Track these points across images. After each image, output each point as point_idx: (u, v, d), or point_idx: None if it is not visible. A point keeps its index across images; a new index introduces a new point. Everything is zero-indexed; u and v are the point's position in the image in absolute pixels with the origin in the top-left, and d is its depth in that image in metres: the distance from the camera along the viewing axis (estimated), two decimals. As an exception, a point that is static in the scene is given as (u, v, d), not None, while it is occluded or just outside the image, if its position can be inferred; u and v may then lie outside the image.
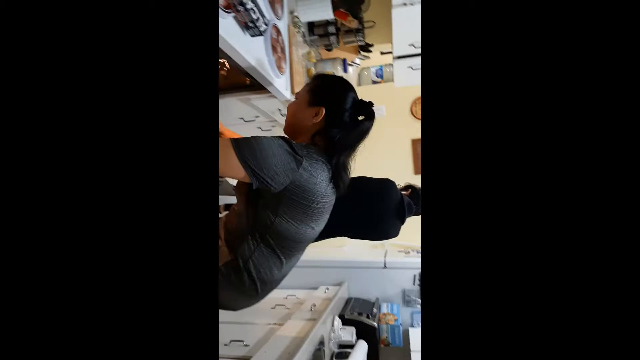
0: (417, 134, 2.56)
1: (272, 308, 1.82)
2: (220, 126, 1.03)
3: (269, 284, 0.83)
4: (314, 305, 1.75)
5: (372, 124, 0.78)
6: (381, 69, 2.84)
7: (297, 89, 1.48)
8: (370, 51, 2.16)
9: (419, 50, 1.67)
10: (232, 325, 1.58)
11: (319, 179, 0.71)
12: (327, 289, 2.09)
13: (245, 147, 0.66)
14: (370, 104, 0.80)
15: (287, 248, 0.79)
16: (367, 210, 1.04)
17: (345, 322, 1.83)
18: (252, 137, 0.68)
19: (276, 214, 0.73)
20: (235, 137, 0.74)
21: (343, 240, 2.73)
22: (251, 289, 0.79)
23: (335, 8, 1.66)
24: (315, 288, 2.13)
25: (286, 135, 0.78)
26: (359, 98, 0.80)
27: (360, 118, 0.79)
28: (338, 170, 0.75)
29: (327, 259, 2.35)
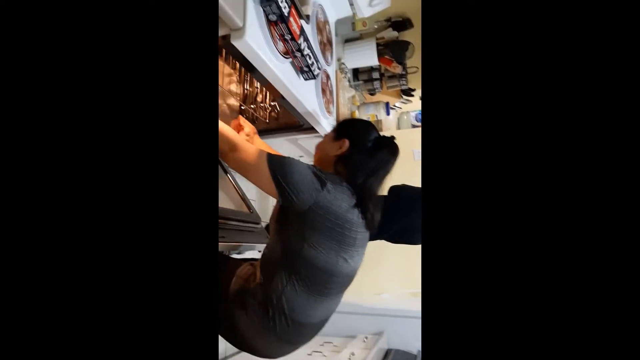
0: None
1: (309, 354, 1.74)
2: (256, 137, 1.08)
3: (305, 327, 0.79)
4: (353, 354, 1.65)
5: (394, 155, 0.83)
6: (421, 113, 2.87)
7: (343, 131, 1.52)
8: (412, 95, 2.19)
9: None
10: (267, 370, 1.51)
11: (343, 203, 0.73)
12: (366, 337, 1.98)
13: (277, 162, 0.72)
14: (392, 137, 0.85)
15: (320, 283, 0.76)
16: (413, 215, 1.04)
17: (386, 376, 1.69)
18: (285, 156, 0.74)
19: (303, 239, 0.72)
20: (270, 151, 0.82)
21: (382, 287, 2.62)
22: (285, 331, 0.76)
23: (380, 55, 1.73)
24: (353, 336, 2.02)
25: None
26: (375, 134, 0.86)
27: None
28: (362, 196, 0.76)
29: (365, 305, 2.24)
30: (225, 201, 1.01)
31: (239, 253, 1.03)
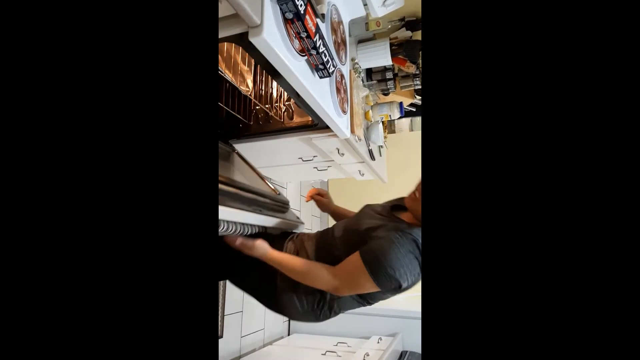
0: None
1: (323, 354, 1.74)
2: (342, 209, 1.18)
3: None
4: (367, 354, 1.64)
5: None
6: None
7: (357, 130, 1.52)
8: (426, 95, 2.18)
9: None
10: (282, 369, 1.52)
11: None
12: (380, 339, 1.96)
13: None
14: None
15: (371, 297, 0.85)
16: None
17: (401, 377, 1.68)
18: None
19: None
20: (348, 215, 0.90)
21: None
22: (324, 317, 0.87)
23: (393, 55, 1.73)
24: (367, 337, 2.01)
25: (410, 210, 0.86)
26: None
27: None
28: None
29: (381, 307, 2.22)
30: (253, 181, 1.10)
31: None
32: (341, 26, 1.39)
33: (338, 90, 1.29)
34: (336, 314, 0.88)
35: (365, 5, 1.45)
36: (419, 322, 2.10)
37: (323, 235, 0.93)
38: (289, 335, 2.23)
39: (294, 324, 2.27)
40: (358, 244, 0.79)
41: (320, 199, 1.20)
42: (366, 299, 0.87)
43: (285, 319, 2.27)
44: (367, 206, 0.98)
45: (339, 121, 1.30)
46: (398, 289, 0.76)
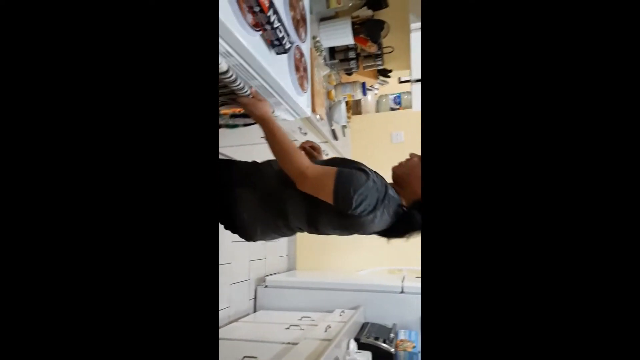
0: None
1: (287, 328, 1.79)
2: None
3: None
4: (329, 326, 1.72)
5: None
6: (399, 97, 2.90)
7: (318, 109, 1.53)
8: (389, 76, 2.22)
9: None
10: (245, 343, 1.55)
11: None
12: (343, 312, 2.05)
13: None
14: None
15: (322, 225, 0.94)
16: None
17: (361, 346, 1.77)
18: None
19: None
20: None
21: (361, 264, 2.70)
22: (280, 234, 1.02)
23: (356, 34, 1.74)
24: (331, 311, 2.09)
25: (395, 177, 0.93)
26: None
27: None
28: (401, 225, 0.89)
29: (344, 282, 2.31)
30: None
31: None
32: (300, 2, 1.37)
33: (297, 68, 1.28)
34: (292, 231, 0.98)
35: (325, -19, 1.44)
36: (381, 294, 2.20)
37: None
38: (254, 312, 2.27)
39: (260, 301, 2.32)
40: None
41: (312, 152, 1.17)
42: (315, 225, 0.91)
43: (252, 296, 2.30)
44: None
45: (299, 99, 1.30)
46: (345, 211, 0.81)
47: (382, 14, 1.76)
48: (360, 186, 0.79)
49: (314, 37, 1.62)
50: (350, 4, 1.69)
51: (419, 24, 1.43)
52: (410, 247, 2.80)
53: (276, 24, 0.95)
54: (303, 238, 2.89)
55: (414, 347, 1.90)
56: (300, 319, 1.95)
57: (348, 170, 0.82)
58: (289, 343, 1.53)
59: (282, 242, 2.82)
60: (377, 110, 2.95)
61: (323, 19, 1.74)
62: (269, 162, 1.06)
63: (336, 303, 2.18)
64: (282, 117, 1.45)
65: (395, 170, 0.93)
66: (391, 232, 0.91)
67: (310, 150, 1.19)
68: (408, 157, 0.93)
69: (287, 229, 0.99)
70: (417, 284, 2.24)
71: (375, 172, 0.89)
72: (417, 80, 1.78)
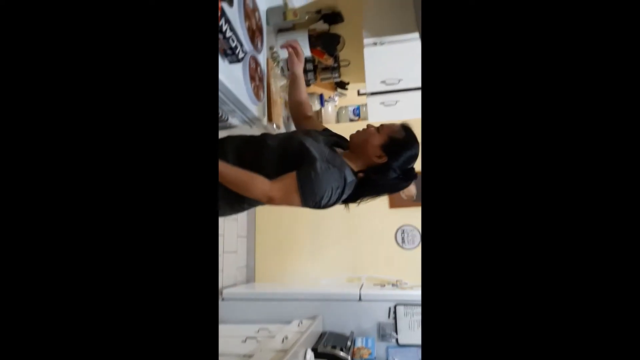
0: (392, 168, 2.67)
1: (243, 342, 1.75)
2: None
3: None
4: (286, 337, 1.70)
5: (406, 185, 0.98)
6: (358, 108, 2.99)
7: (276, 118, 1.54)
8: (346, 88, 2.28)
9: (390, 87, 1.79)
10: (198, 358, 1.50)
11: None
12: (301, 322, 2.04)
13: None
14: (415, 174, 0.97)
15: None
16: None
17: (319, 355, 1.77)
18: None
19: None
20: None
21: (321, 273, 2.70)
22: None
23: (312, 46, 1.78)
24: (289, 322, 2.07)
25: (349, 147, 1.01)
26: (412, 165, 0.96)
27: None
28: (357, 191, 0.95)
29: (302, 291, 2.30)
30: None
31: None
32: (256, 13, 1.39)
33: (252, 77, 1.29)
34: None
35: (282, -6, 1.47)
36: (339, 303, 2.20)
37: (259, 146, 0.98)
38: (210, 326, 2.20)
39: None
40: (295, 160, 0.90)
41: (295, 52, 1.21)
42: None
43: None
44: (310, 132, 1.05)
45: (254, 108, 1.31)
46: (317, 206, 0.89)
47: (337, 28, 1.82)
48: (322, 187, 0.85)
49: (271, 48, 1.64)
50: (307, 17, 1.72)
51: (371, 40, 1.49)
52: (369, 255, 2.84)
53: (228, 34, 0.96)
54: (263, 248, 2.85)
55: (370, 354, 1.93)
56: (257, 331, 1.91)
57: (306, 175, 0.86)
58: (244, 356, 1.50)
59: (241, 253, 2.77)
60: (338, 121, 3.02)
61: (280, 30, 1.76)
62: (232, 138, 1.07)
63: (295, 313, 2.17)
64: (238, 125, 1.44)
65: (353, 139, 1.00)
66: (346, 200, 0.97)
67: (292, 51, 1.22)
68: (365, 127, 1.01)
69: (249, 204, 1.02)
70: (375, 291, 2.28)
71: (325, 148, 0.95)
72: (372, 94, 1.85)
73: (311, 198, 0.86)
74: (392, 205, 2.69)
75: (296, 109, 1.21)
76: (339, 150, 1.01)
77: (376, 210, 2.69)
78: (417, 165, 0.94)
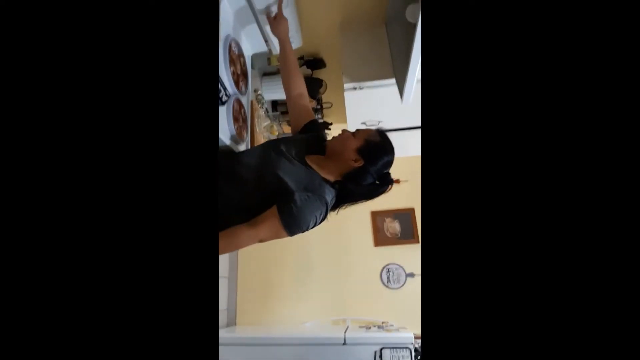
0: (376, 206, 2.69)
1: (221, 391, 1.64)
2: None
3: None
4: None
5: (385, 190, 0.97)
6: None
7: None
8: (329, 128, 2.35)
9: (371, 128, 1.85)
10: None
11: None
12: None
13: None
14: (392, 179, 0.98)
15: None
16: None
17: (301, 405, 1.66)
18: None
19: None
20: None
21: (305, 316, 2.61)
22: None
23: (296, 89, 1.86)
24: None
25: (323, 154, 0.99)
26: (389, 170, 0.97)
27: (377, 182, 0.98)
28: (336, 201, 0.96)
29: (285, 336, 2.21)
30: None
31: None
32: (242, 59, 1.46)
33: (236, 118, 1.33)
34: None
35: (266, 41, 1.55)
36: (322, 347, 2.11)
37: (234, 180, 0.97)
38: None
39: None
40: (272, 194, 0.91)
41: (277, 16, 1.24)
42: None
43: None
44: (283, 143, 1.03)
45: (236, 147, 1.33)
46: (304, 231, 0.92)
47: (320, 73, 1.91)
48: (305, 218, 0.88)
49: (255, 90, 1.70)
50: (291, 63, 1.82)
51: (351, 85, 1.57)
52: (354, 295, 2.77)
53: (212, 78, 1.00)
54: (245, 290, 2.77)
55: (356, 402, 1.82)
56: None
57: (288, 210, 0.87)
58: (220, 408, 1.40)
59: (222, 294, 2.67)
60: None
61: (265, 74, 1.84)
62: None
63: (278, 359, 2.07)
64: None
65: (330, 144, 1.00)
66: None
67: (273, 19, 1.27)
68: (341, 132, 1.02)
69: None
70: (360, 334, 2.21)
71: (301, 168, 0.94)
72: (354, 134, 1.91)
73: (297, 230, 0.89)
74: (377, 243, 2.68)
75: (285, 83, 1.20)
76: (314, 158, 0.98)
77: (361, 249, 2.68)
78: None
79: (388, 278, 2.63)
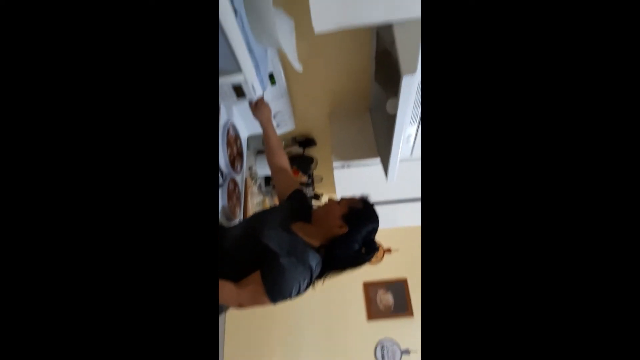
0: (369, 276, 2.66)
1: None
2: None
3: None
4: None
5: (369, 258, 0.98)
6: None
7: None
8: (318, 199, 2.43)
9: (360, 202, 1.93)
10: None
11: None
12: None
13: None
14: (377, 246, 0.99)
15: None
16: None
17: None
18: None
19: None
20: None
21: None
22: None
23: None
24: None
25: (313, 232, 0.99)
26: (374, 238, 0.98)
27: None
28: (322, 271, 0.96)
29: None
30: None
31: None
32: (238, 141, 1.57)
33: (230, 197, 1.40)
34: None
35: (261, 124, 1.68)
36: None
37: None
38: None
39: None
40: (256, 258, 0.92)
41: (258, 103, 1.30)
42: None
43: None
44: (269, 212, 1.08)
45: (228, 225, 1.38)
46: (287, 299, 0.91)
47: (311, 151, 2.05)
48: (288, 284, 0.87)
49: (250, 167, 1.80)
50: (284, 143, 1.95)
51: (339, 163, 1.69)
52: (349, 343, 2.59)
53: (210, 164, 1.08)
54: (232, 337, 2.59)
55: None
56: None
57: (271, 276, 0.88)
58: None
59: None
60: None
61: (260, 152, 1.96)
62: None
63: None
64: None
65: (315, 213, 1.03)
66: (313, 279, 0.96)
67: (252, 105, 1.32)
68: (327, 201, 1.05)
69: (220, 309, 1.00)
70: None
71: (285, 234, 0.96)
72: (344, 207, 1.98)
73: (280, 297, 0.88)
74: (370, 316, 2.60)
75: (269, 160, 1.26)
76: (300, 225, 1.01)
77: (354, 323, 2.59)
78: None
79: (383, 356, 2.51)
